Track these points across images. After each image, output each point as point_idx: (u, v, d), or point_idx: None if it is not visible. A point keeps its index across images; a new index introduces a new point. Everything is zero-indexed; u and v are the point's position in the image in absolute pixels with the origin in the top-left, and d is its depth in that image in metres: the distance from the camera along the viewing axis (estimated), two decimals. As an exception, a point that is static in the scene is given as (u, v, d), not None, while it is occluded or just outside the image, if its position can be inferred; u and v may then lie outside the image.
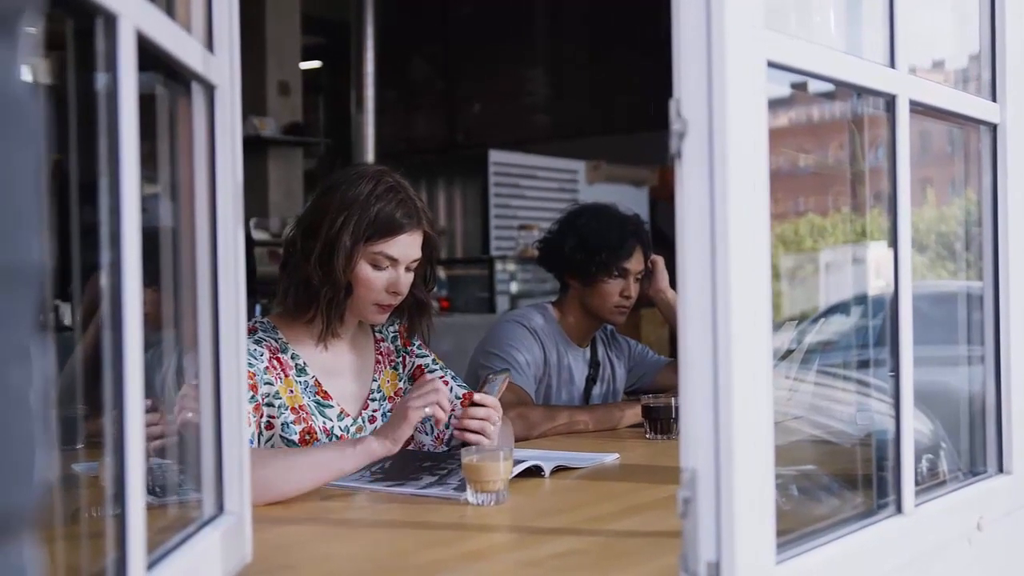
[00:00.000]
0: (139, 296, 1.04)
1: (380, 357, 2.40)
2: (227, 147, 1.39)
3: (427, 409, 2.01)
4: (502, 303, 7.51)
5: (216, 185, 1.37)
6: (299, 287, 2.22)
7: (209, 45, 1.36)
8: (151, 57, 1.13)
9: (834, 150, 2.04)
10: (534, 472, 2.13)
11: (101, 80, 1.03)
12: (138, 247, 1.03)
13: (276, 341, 2.24)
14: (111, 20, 1.00)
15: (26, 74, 0.60)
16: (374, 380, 2.37)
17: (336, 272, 2.18)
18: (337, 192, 2.21)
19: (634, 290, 3.04)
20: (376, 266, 2.21)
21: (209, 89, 1.36)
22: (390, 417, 2.11)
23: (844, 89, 1.60)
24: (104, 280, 1.02)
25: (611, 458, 2.37)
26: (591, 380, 3.15)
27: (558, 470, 2.19)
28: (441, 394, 2.03)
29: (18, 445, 0.57)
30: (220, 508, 1.38)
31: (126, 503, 1.01)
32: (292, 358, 2.24)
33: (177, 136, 1.37)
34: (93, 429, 1.20)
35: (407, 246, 2.23)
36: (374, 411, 2.34)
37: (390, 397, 2.37)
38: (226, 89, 1.39)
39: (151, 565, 1.10)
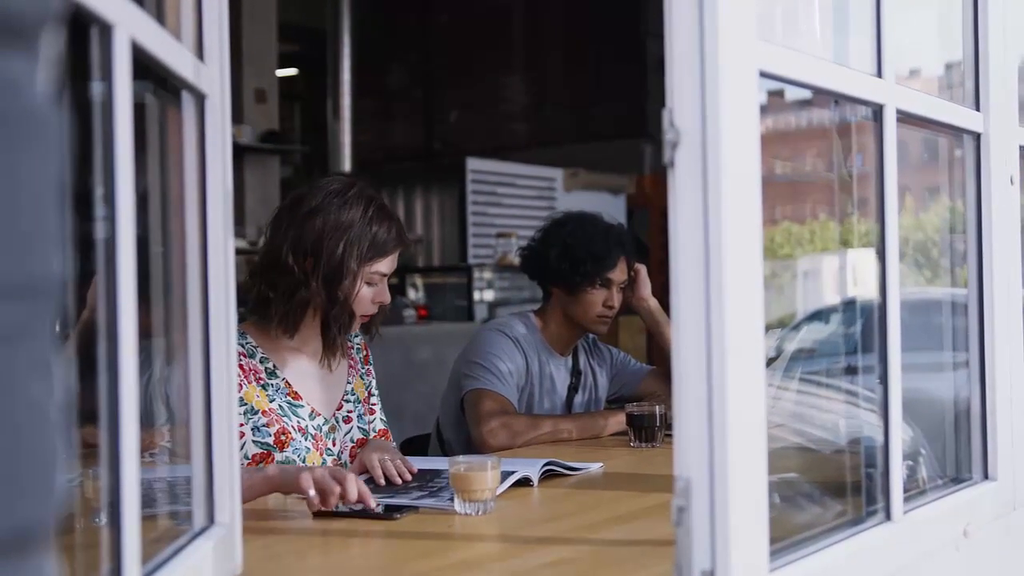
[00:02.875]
0: (133, 305, 1.03)
1: (352, 362, 2.48)
2: (217, 156, 1.38)
3: (311, 492, 1.83)
4: (480, 311, 7.50)
5: (207, 194, 1.37)
6: (298, 308, 2.27)
7: (199, 54, 1.35)
8: (142, 66, 1.12)
9: (811, 158, 2.05)
10: (521, 481, 2.13)
11: (95, 89, 1.02)
12: (133, 256, 1.03)
13: (243, 346, 2.27)
14: (106, 29, 0.99)
15: (46, 86, 0.59)
16: (348, 382, 2.44)
17: (343, 296, 2.26)
18: (328, 215, 2.26)
19: (617, 300, 3.04)
20: (369, 284, 2.31)
21: (200, 98, 1.35)
22: (295, 468, 2.00)
23: (822, 97, 1.61)
24: (99, 289, 1.01)
25: (596, 467, 2.37)
26: (573, 389, 3.15)
27: (547, 476, 2.20)
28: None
29: (40, 459, 0.57)
30: (211, 519, 1.38)
31: (122, 515, 1.01)
32: (261, 362, 2.30)
33: (166, 145, 1.36)
34: (80, 439, 1.19)
35: (394, 261, 2.35)
36: (348, 411, 2.42)
37: (363, 400, 2.47)
38: (216, 98, 1.38)
39: (144, 577, 1.10)
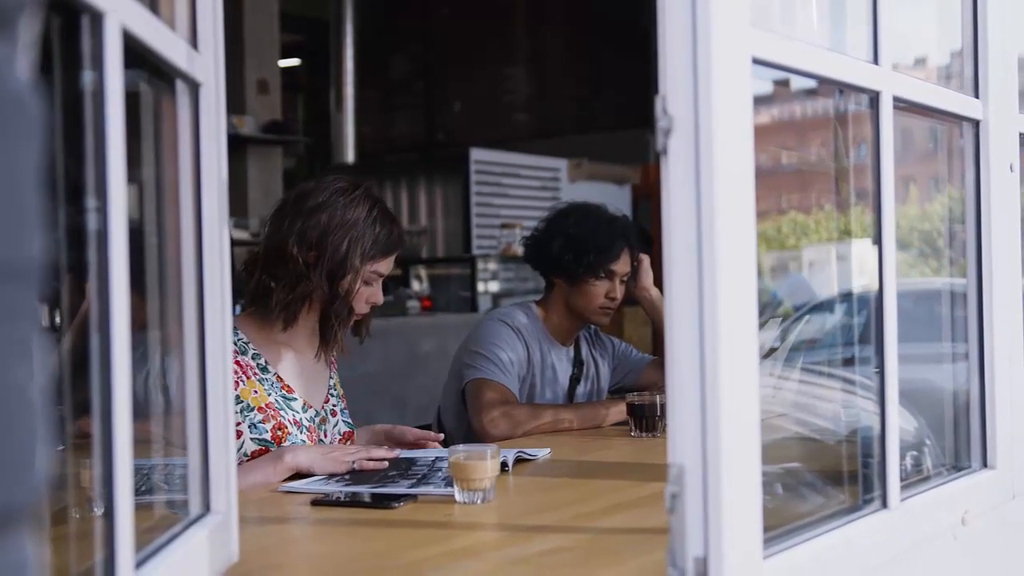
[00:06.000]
0: (126, 297, 1.03)
1: (333, 359, 2.52)
2: (212, 146, 1.38)
3: (355, 465, 2.15)
4: (484, 302, 7.50)
5: (201, 184, 1.37)
6: (298, 300, 2.30)
7: (194, 43, 1.35)
8: (135, 55, 1.12)
9: (816, 147, 2.05)
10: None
11: (86, 78, 1.02)
12: (125, 247, 1.03)
13: (235, 343, 2.28)
14: (97, 18, 0.99)
15: (25, 71, 0.60)
16: (331, 378, 2.49)
17: (343, 291, 2.29)
18: (335, 211, 2.29)
19: (619, 292, 3.04)
20: (367, 282, 2.34)
21: (194, 87, 1.35)
22: (320, 445, 2.31)
23: (826, 86, 1.61)
24: (91, 281, 1.01)
25: (544, 452, 2.41)
26: (575, 379, 3.15)
27: (518, 462, 2.25)
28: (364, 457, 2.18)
29: (21, 441, 0.58)
30: (207, 507, 1.38)
31: (115, 503, 1.01)
32: (253, 358, 2.32)
33: (161, 135, 1.36)
34: (76, 430, 1.19)
35: (392, 262, 2.39)
36: (333, 406, 2.47)
37: (342, 396, 2.52)
38: (211, 87, 1.38)
39: (139, 564, 1.10)
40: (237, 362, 2.26)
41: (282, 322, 2.31)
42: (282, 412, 2.29)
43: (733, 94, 1.20)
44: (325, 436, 2.39)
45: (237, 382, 2.23)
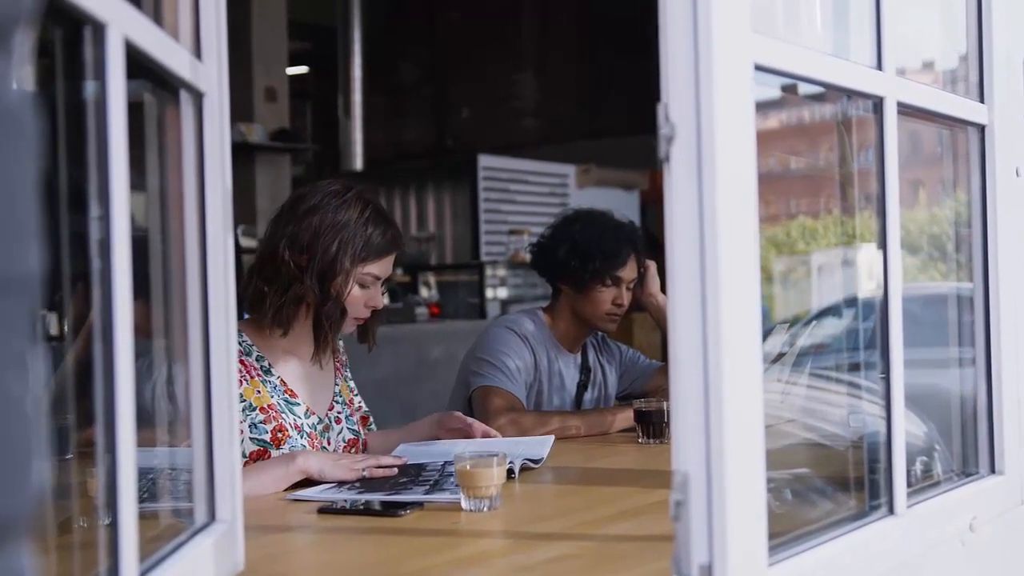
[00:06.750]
0: (129, 306, 1.03)
1: (338, 366, 2.52)
2: (216, 155, 1.38)
3: (365, 473, 2.15)
4: (492, 308, 7.50)
5: (205, 193, 1.37)
6: (291, 304, 2.30)
7: (197, 53, 1.36)
8: (139, 65, 1.13)
9: (825, 152, 2.04)
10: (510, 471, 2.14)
11: (89, 88, 1.02)
12: (128, 256, 1.03)
13: (240, 344, 2.29)
14: (100, 28, 1.00)
15: (21, 84, 0.60)
16: (336, 384, 2.48)
17: (335, 292, 2.29)
18: (326, 214, 2.30)
19: (626, 298, 3.04)
20: (362, 285, 2.34)
21: (197, 97, 1.36)
22: (328, 452, 2.34)
23: (834, 91, 1.61)
24: (94, 290, 1.02)
25: (548, 440, 2.45)
26: (582, 386, 3.15)
27: (524, 469, 2.24)
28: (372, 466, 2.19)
29: (16, 452, 0.58)
30: (212, 516, 1.38)
31: (118, 512, 1.01)
32: (257, 360, 2.33)
33: (165, 144, 1.36)
34: (83, 439, 1.20)
35: (390, 265, 2.38)
36: (338, 413, 2.46)
37: (348, 403, 2.50)
38: (214, 96, 1.38)
39: (143, 573, 1.10)
40: (241, 362, 2.27)
41: (277, 326, 2.31)
42: (283, 415, 2.29)
43: (735, 100, 1.20)
44: (328, 443, 2.39)
45: (240, 380, 2.23)
